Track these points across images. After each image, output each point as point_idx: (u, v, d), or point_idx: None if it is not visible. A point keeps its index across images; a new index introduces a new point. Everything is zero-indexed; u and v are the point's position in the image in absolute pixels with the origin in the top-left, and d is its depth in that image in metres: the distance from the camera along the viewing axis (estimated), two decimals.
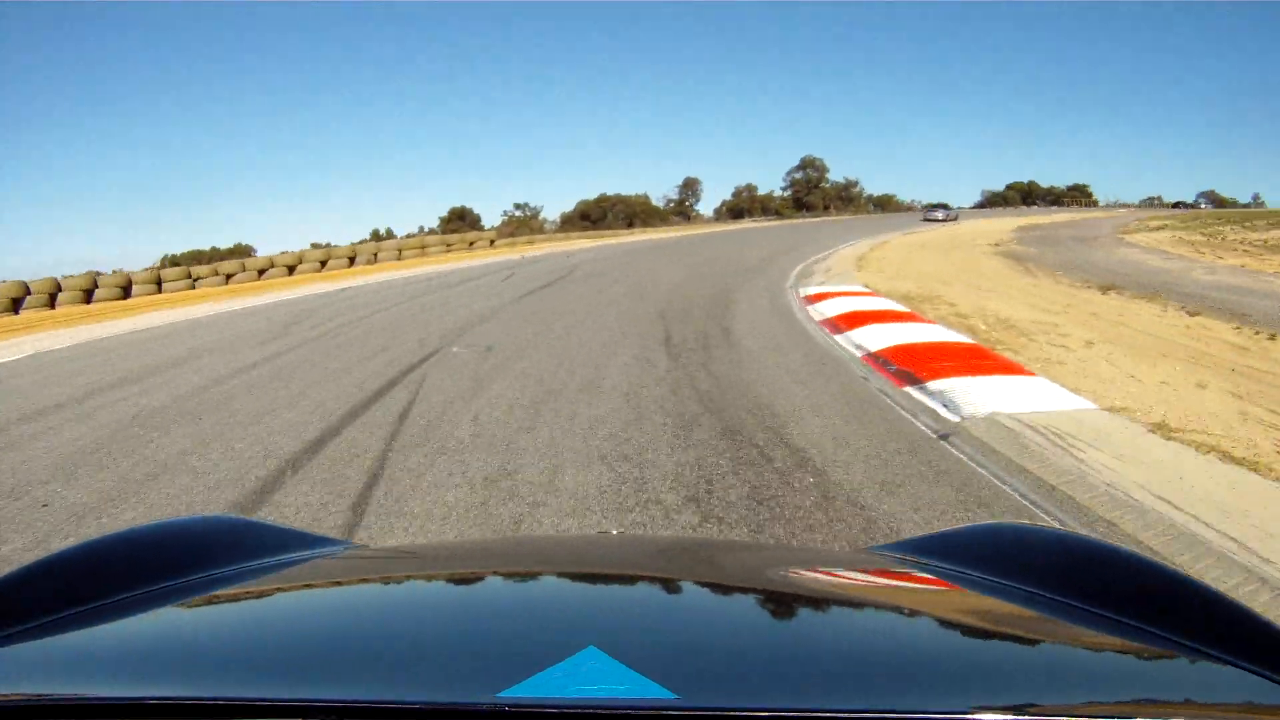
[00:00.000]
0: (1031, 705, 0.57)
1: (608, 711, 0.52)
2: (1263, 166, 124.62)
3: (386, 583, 0.99)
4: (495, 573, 1.01)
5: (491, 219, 57.35)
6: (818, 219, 51.79)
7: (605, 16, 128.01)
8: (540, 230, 46.64)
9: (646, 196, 56.39)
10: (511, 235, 39.86)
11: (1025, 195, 74.37)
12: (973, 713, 0.54)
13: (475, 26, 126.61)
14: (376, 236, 46.96)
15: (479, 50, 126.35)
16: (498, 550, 1.32)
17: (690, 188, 61.74)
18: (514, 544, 1.70)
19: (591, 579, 0.94)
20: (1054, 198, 72.97)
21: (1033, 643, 0.77)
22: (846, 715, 0.52)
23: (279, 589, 0.91)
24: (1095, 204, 70.40)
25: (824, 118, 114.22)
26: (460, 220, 53.10)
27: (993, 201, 71.75)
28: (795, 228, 37.11)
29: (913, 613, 0.83)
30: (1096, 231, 26.34)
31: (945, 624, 0.80)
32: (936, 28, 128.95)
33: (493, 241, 32.86)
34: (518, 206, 55.42)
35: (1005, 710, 0.54)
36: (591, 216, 51.43)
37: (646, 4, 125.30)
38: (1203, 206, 54.21)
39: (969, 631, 0.79)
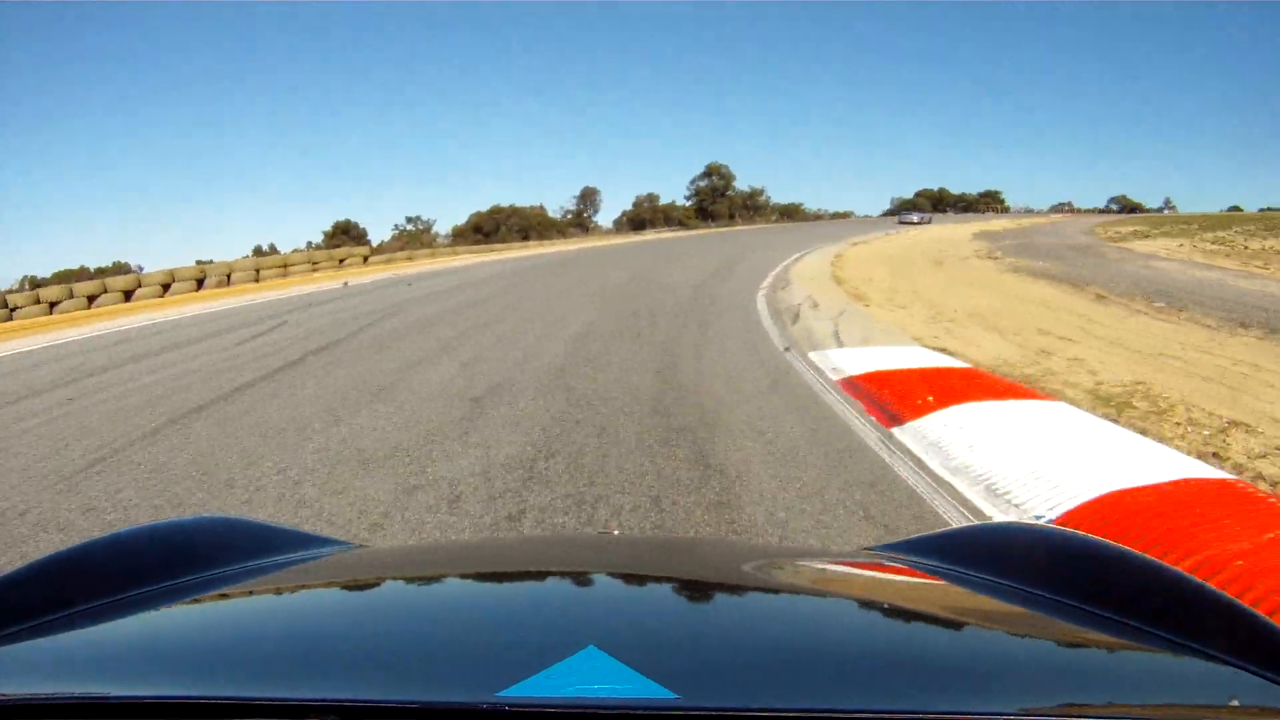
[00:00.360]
0: (1032, 705, 0.56)
1: (608, 711, 0.51)
2: (1169, 171, 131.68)
3: (386, 583, 0.97)
4: (495, 573, 0.99)
5: (382, 233, 51.40)
6: (724, 229, 47.61)
7: (500, 24, 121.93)
8: (431, 244, 40.57)
9: (542, 208, 50.92)
10: (400, 249, 33.88)
11: (936, 202, 73.95)
12: (972, 713, 0.52)
13: (368, 35, 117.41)
14: (258, 252, 40.83)
15: (374, 60, 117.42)
16: (498, 550, 1.31)
17: (588, 198, 56.03)
18: (514, 544, 1.69)
19: (591, 579, 0.91)
20: (966, 204, 72.76)
21: (1033, 643, 0.75)
22: (846, 715, 0.52)
23: (278, 589, 0.89)
24: (1007, 210, 70.47)
25: (726, 125, 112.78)
26: (345, 234, 46.86)
27: (903, 208, 70.56)
28: (707, 239, 32.27)
29: (912, 613, 0.82)
30: (1071, 239, 23.20)
31: (945, 624, 0.79)
32: (839, 36, 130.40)
33: (366, 258, 27.95)
34: (409, 220, 49.53)
35: (1005, 710, 0.53)
36: (485, 229, 45.84)
37: (543, 9, 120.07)
38: (1164, 211, 54.58)
39: (969, 631, 0.78)
